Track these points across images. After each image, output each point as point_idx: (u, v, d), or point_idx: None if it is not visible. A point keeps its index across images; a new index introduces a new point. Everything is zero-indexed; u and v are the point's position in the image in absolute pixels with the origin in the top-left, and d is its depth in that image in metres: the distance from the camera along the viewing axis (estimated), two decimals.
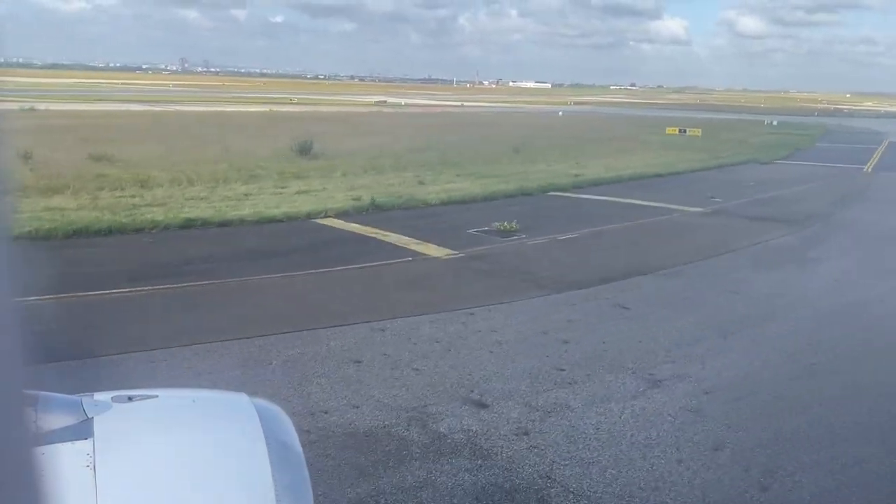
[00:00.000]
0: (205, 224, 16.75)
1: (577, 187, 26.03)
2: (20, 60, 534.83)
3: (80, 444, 1.91)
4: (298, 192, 22.34)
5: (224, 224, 16.96)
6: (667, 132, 59.84)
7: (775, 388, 8.53)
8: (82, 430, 1.97)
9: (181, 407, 2.41)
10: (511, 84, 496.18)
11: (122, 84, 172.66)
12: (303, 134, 34.40)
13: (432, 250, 15.17)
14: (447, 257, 14.74)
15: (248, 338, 9.41)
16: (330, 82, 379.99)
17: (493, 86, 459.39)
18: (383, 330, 10.03)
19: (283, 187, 23.16)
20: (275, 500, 1.89)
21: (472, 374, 8.54)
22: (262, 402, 2.41)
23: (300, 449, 2.26)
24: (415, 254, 14.89)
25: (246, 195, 21.44)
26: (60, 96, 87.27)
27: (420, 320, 10.53)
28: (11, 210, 1.02)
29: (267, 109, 77.85)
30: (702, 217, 20.83)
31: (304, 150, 31.71)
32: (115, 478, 1.83)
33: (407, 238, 16.15)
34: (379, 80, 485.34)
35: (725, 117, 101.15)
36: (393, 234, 16.50)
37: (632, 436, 7.19)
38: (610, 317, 11.12)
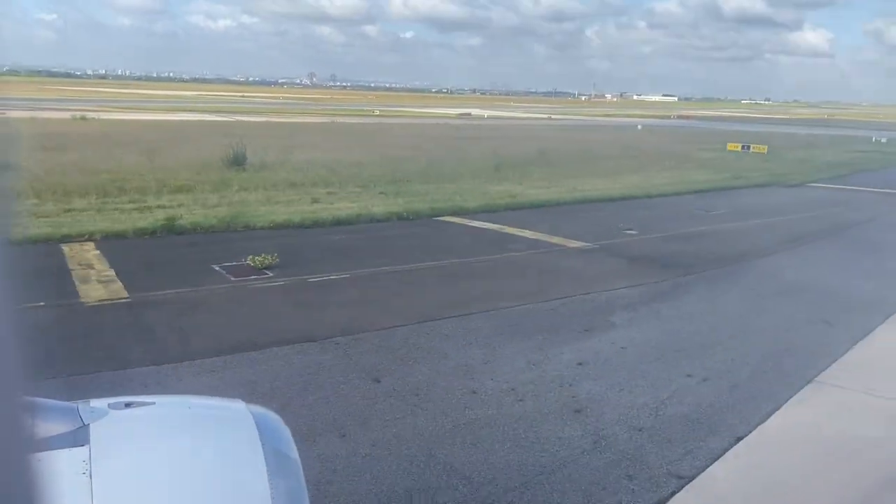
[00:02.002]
0: None
1: (489, 211, 21.75)
2: (170, 75, 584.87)
3: (76, 450, 1.83)
4: (137, 209, 19.76)
5: None
6: (728, 148, 53.04)
7: None
8: (78, 437, 1.88)
9: (178, 414, 2.27)
10: (635, 97, 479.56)
11: (236, 96, 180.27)
12: (307, 145, 32.30)
13: (100, 292, 11.84)
14: (98, 304, 11.37)
15: None
16: (451, 96, 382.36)
17: (615, 99, 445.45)
18: None
19: (132, 202, 20.67)
20: None
21: None
22: (260, 410, 2.24)
23: (297, 457, 2.13)
24: (70, 296, 11.64)
25: (67, 210, 19.10)
26: (141, 107, 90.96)
27: None
28: (12, 216, 0.95)
29: (329, 121, 77.00)
30: (567, 255, 16.01)
31: (237, 162, 29.25)
32: (111, 485, 1.76)
33: (109, 274, 12.94)
34: (501, 94, 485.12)
35: (832, 133, 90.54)
36: (98, 269, 13.32)
37: None
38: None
